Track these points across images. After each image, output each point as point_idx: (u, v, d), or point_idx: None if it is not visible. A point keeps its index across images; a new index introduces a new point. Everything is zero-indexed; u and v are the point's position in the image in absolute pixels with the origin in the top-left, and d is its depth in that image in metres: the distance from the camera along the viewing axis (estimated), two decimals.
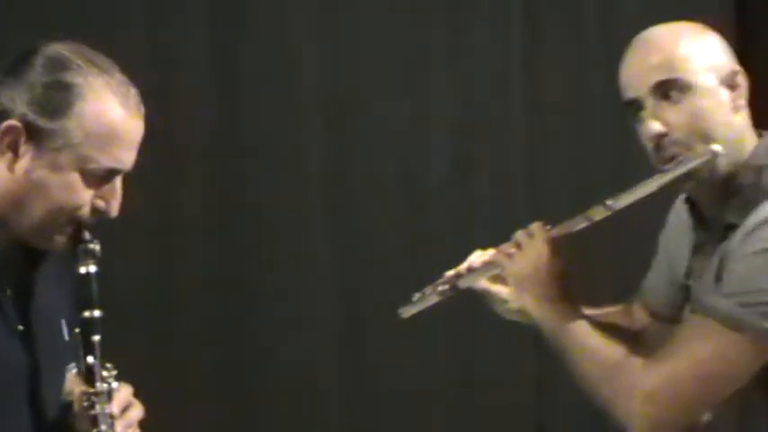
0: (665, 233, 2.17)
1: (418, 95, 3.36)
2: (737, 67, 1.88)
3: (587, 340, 1.87)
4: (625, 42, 2.11)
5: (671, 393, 1.74)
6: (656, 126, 1.84)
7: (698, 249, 1.97)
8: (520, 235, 2.00)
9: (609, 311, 2.21)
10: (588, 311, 1.99)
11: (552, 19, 3.51)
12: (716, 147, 1.82)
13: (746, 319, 1.70)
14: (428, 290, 2.15)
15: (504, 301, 2.11)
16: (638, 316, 2.24)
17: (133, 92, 1.66)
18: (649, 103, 1.85)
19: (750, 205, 1.81)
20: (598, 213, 1.93)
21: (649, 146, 1.88)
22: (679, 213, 2.10)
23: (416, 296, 2.17)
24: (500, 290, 2.11)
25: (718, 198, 1.87)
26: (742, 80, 1.87)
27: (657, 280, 2.18)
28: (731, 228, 1.83)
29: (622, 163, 3.44)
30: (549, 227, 2.00)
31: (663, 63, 1.85)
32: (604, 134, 3.51)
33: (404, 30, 3.34)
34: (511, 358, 3.40)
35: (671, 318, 2.13)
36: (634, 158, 3.25)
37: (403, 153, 3.33)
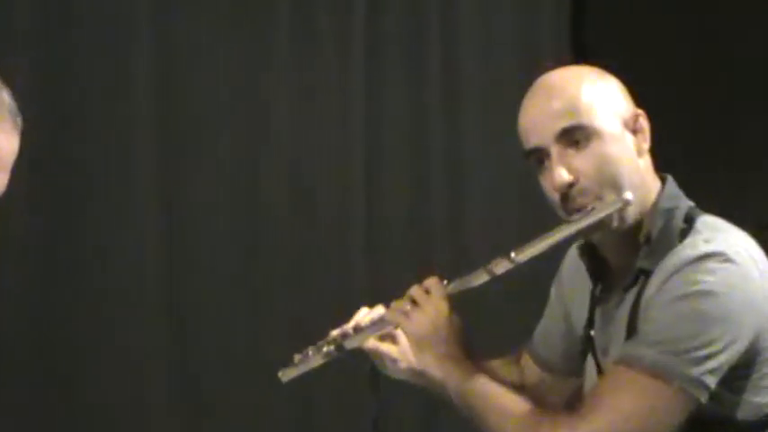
0: (558, 283, 2.09)
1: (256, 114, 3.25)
2: (639, 111, 1.82)
3: (499, 398, 1.78)
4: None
5: None
6: (564, 175, 1.75)
7: (600, 298, 1.90)
8: (416, 291, 1.88)
9: (496, 363, 2.12)
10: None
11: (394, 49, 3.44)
12: (628, 195, 1.74)
13: (674, 367, 1.64)
14: (311, 351, 2.00)
15: (394, 361, 2.00)
16: (528, 368, 2.16)
17: (6, 100, 1.38)
18: (555, 150, 1.76)
19: (661, 250, 1.75)
20: (501, 266, 1.82)
21: (555, 196, 1.78)
22: (572, 262, 2.02)
23: (297, 357, 2.01)
24: (390, 349, 1.99)
25: (626, 245, 1.80)
26: (644, 123, 1.81)
27: (551, 331, 2.10)
28: (643, 274, 1.77)
29: (460, 184, 3.43)
30: (446, 282, 1.88)
31: (567, 108, 1.76)
32: (443, 156, 3.46)
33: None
34: (349, 399, 3.25)
35: (566, 370, 2.06)
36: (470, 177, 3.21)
37: (238, 173, 3.21)
